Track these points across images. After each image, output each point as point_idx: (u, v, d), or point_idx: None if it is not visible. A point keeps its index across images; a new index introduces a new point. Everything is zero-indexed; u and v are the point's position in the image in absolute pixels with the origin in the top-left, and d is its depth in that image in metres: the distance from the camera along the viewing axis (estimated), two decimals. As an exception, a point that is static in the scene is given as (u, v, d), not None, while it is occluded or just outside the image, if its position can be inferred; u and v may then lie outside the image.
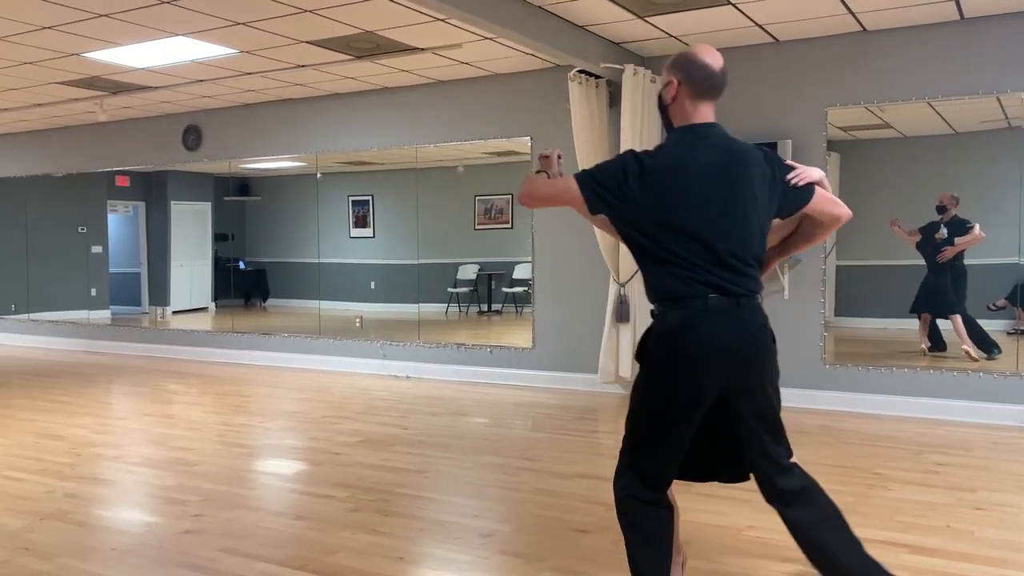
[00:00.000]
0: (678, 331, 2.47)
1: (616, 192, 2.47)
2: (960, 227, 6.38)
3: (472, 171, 9.56)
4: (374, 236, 10.88)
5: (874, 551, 3.26)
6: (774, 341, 2.75)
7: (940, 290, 6.49)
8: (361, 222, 10.90)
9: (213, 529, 3.64)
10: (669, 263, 2.46)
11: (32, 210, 11.02)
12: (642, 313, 6.43)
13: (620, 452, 2.64)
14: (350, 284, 10.38)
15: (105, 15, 5.48)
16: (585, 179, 2.52)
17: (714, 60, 2.62)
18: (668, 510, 2.64)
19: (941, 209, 6.38)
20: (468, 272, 10.31)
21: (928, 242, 6.41)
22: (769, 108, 6.30)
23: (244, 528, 3.67)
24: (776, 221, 2.69)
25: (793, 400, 6.19)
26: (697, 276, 2.45)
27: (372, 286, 10.71)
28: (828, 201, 2.68)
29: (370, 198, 10.82)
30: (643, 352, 2.56)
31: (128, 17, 5.52)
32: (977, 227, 6.32)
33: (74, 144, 10.17)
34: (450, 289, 10.13)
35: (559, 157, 2.84)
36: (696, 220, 2.44)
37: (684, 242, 2.44)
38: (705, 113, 2.63)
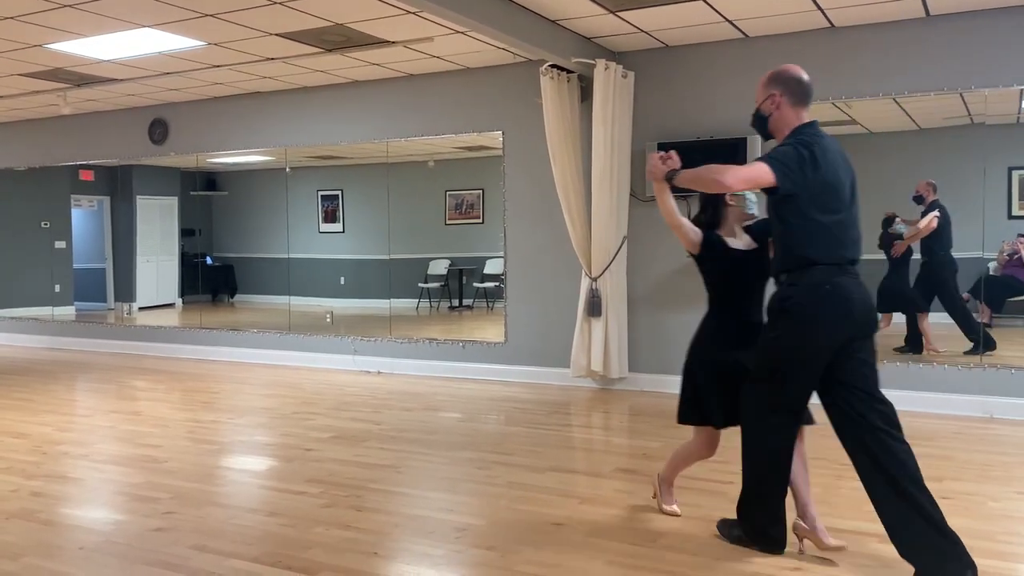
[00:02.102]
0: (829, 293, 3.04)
1: (799, 172, 3.00)
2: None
3: (442, 166, 9.52)
4: (344, 231, 10.80)
5: (844, 540, 3.33)
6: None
7: (900, 290, 6.34)
8: (330, 217, 10.82)
9: (184, 526, 3.60)
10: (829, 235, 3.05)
11: (-7, 205, 10.80)
12: (615, 307, 6.47)
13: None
14: (319, 279, 10.30)
15: (69, 5, 5.38)
16: (773, 163, 3.02)
17: (805, 74, 3.26)
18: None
19: (919, 199, 6.28)
20: (439, 267, 10.28)
21: (884, 237, 6.34)
22: (738, 104, 6.33)
23: (216, 525, 3.63)
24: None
25: (763, 393, 6.27)
26: (834, 247, 3.06)
27: (342, 281, 10.64)
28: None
29: (339, 193, 10.74)
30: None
31: (93, 8, 5.43)
32: (926, 219, 6.21)
33: (37, 137, 9.98)
34: (420, 284, 10.09)
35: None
36: (837, 200, 3.07)
37: (822, 223, 3.03)
38: (807, 116, 3.21)
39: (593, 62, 6.18)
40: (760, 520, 3.24)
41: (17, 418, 5.85)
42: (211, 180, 11.33)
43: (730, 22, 5.91)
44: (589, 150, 6.40)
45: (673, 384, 6.48)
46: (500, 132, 7.24)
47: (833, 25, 5.98)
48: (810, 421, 3.33)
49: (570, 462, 4.79)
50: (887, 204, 6.41)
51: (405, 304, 9.69)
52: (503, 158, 7.24)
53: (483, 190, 9.75)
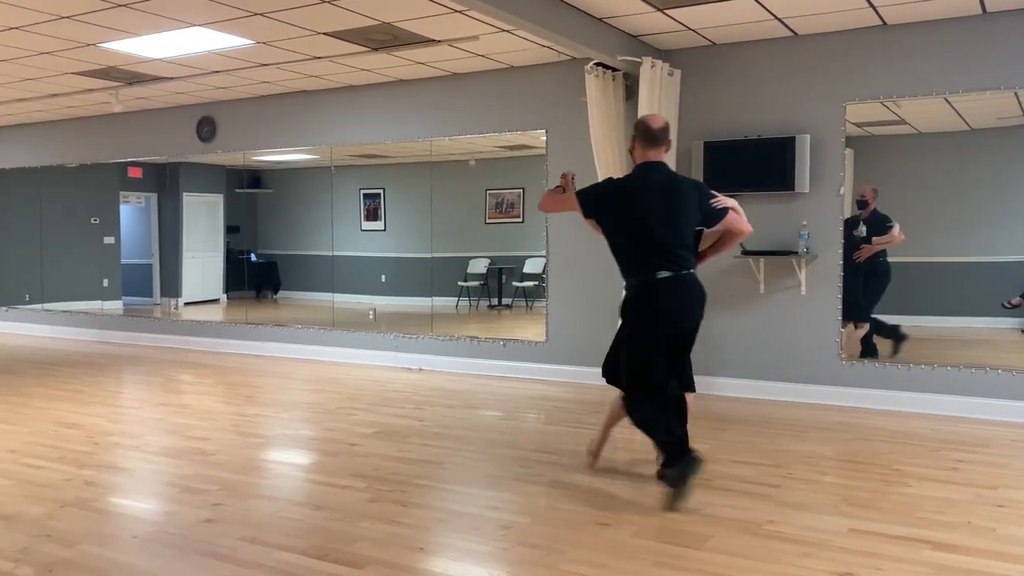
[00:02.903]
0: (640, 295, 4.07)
1: (599, 204, 4.08)
2: (879, 224, 6.23)
3: (483, 165, 9.53)
4: (385, 229, 10.87)
5: (895, 547, 3.27)
6: (703, 305, 4.19)
7: (851, 295, 6.17)
8: (372, 215, 10.90)
9: (232, 518, 3.65)
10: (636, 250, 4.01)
11: (46, 201, 11.05)
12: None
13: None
14: (361, 277, 10.38)
15: (123, 5, 5.47)
16: (582, 195, 4.12)
17: (654, 123, 4.04)
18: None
19: (862, 204, 6.28)
20: (478, 266, 10.29)
21: (847, 240, 6.16)
22: (786, 103, 6.27)
23: (263, 517, 3.67)
24: (707, 230, 4.17)
25: (809, 396, 6.19)
26: (641, 260, 4.01)
27: (383, 279, 10.71)
28: (738, 221, 4.16)
29: (381, 191, 10.81)
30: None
31: (146, 7, 5.52)
32: (897, 227, 6.12)
33: (88, 135, 10.19)
34: (460, 283, 10.11)
35: (573, 178, 4.44)
36: (642, 223, 3.94)
37: (628, 240, 4.04)
38: (653, 155, 4.03)
39: (639, 60, 6.14)
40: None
41: (70, 409, 5.98)
42: (256, 178, 11.47)
43: (779, 20, 5.83)
44: (634, 149, 6.36)
45: (717, 386, 6.47)
46: (543, 131, 7.23)
47: (885, 23, 5.87)
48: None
49: (613, 463, 4.76)
50: (935, 206, 6.28)
51: (445, 302, 9.72)
52: (546, 157, 7.23)
53: (523, 189, 9.74)
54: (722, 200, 4.10)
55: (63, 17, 5.76)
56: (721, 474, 4.34)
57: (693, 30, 6.09)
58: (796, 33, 6.16)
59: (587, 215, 4.13)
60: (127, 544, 3.35)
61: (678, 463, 3.87)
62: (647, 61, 6.14)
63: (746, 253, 6.29)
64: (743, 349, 6.45)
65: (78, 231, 11.11)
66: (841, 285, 6.16)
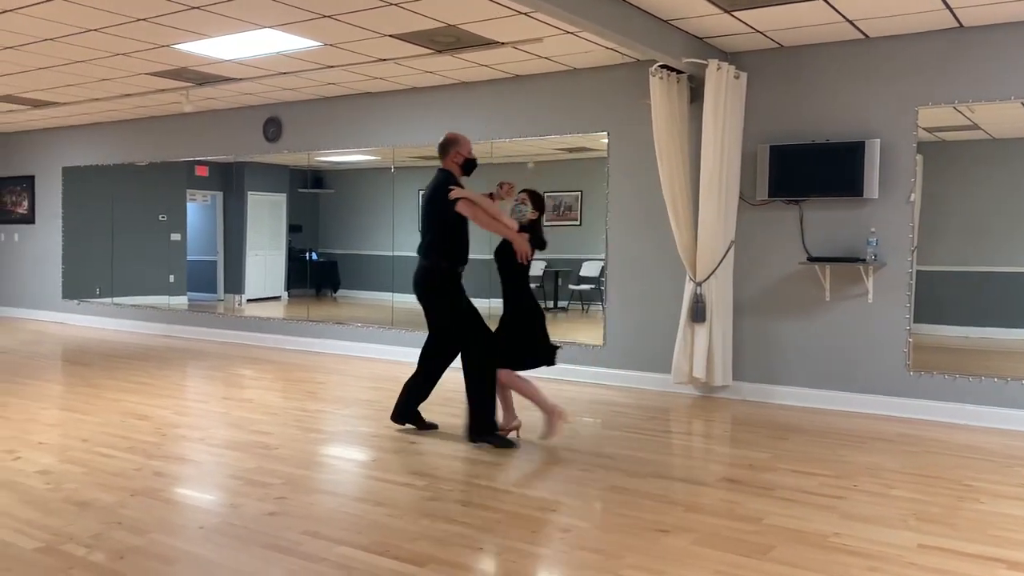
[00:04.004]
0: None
1: None
2: None
3: (541, 167, 9.52)
4: (443, 230, 10.92)
5: (968, 565, 3.17)
6: (421, 285, 5.05)
7: None
8: (430, 216, 10.96)
9: (295, 512, 3.70)
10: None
11: (117, 198, 11.40)
12: (720, 313, 6.34)
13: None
14: (420, 278, 10.45)
15: (197, 7, 5.61)
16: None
17: (444, 136, 5.07)
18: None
19: None
20: (535, 269, 10.26)
21: None
22: (856, 107, 6.13)
23: (325, 512, 3.72)
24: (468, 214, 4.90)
25: (872, 407, 6.04)
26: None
27: (439, 279, 10.76)
28: (466, 207, 4.87)
29: (439, 193, 10.87)
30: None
31: (219, 9, 5.65)
32: None
33: (158, 134, 10.47)
34: (516, 285, 10.11)
35: (509, 188, 5.18)
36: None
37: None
38: (441, 164, 5.04)
39: (705, 62, 6.08)
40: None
41: (138, 400, 6.15)
42: (318, 178, 11.65)
43: (850, 22, 5.71)
44: (697, 152, 6.30)
45: (777, 394, 6.36)
46: (605, 133, 7.20)
47: (962, 24, 5.71)
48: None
49: (672, 469, 4.72)
50: (1009, 214, 6.08)
51: (500, 304, 9.74)
52: (607, 159, 7.20)
53: (582, 192, 9.70)
54: (455, 192, 4.85)
55: (139, 19, 5.93)
56: (782, 484, 4.26)
57: (761, 32, 6.00)
58: (867, 36, 6.03)
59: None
60: (194, 534, 3.42)
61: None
62: (713, 63, 6.07)
63: (812, 260, 6.17)
64: (806, 357, 6.32)
65: (147, 228, 11.43)
66: (911, 294, 6.00)
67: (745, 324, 6.52)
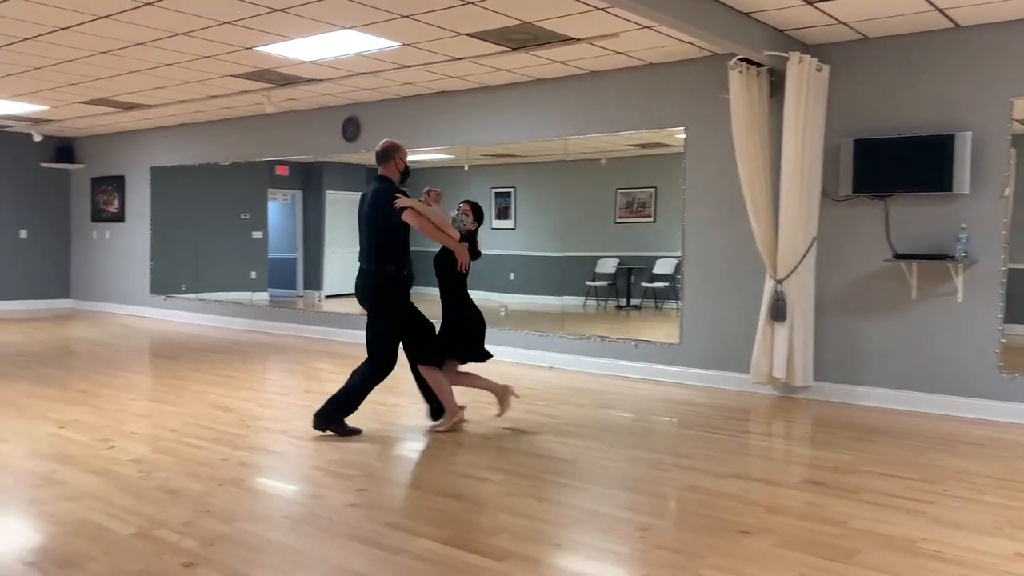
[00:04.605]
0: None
1: None
2: None
3: (614, 163, 9.47)
4: (515, 228, 10.98)
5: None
6: (366, 293, 5.13)
7: None
8: (503, 214, 11.03)
9: (376, 504, 3.77)
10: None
11: (202, 197, 11.77)
12: (801, 311, 6.20)
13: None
14: (490, 275, 10.51)
15: (280, 10, 5.75)
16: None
17: (377, 147, 5.23)
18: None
19: None
20: (607, 266, 10.23)
21: None
22: (946, 99, 5.92)
23: (405, 504, 3.78)
24: (415, 224, 4.98)
25: (961, 409, 5.83)
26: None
27: (511, 277, 10.81)
28: (412, 217, 4.95)
29: (512, 190, 10.93)
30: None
31: (301, 11, 5.78)
32: None
33: (241, 134, 10.77)
34: (588, 282, 10.09)
35: (438, 196, 5.26)
36: (358, 226, 5.18)
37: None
38: (379, 172, 5.18)
39: (786, 55, 5.95)
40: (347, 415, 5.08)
41: (223, 393, 6.35)
42: (393, 177, 11.78)
43: (940, 11, 5.51)
44: (777, 147, 6.17)
45: (860, 395, 6.19)
46: (682, 128, 7.11)
47: (1061, 11, 5.45)
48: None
49: (752, 470, 4.64)
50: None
51: (572, 302, 9.72)
52: (684, 155, 7.11)
53: (656, 188, 9.61)
54: (401, 202, 4.93)
55: (224, 22, 6.11)
56: (866, 487, 4.14)
57: (844, 23, 5.84)
58: (958, 24, 5.80)
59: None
60: (279, 523, 3.52)
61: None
62: (794, 56, 5.94)
63: (898, 257, 5.99)
64: (891, 358, 6.13)
65: (230, 226, 11.79)
66: (1003, 292, 5.77)
67: (827, 323, 6.36)
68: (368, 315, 5.16)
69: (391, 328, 5.08)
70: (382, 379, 5.11)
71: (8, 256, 12.68)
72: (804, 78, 5.96)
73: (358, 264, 5.17)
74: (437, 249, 5.22)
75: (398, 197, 4.95)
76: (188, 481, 4.05)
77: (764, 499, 3.98)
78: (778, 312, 6.17)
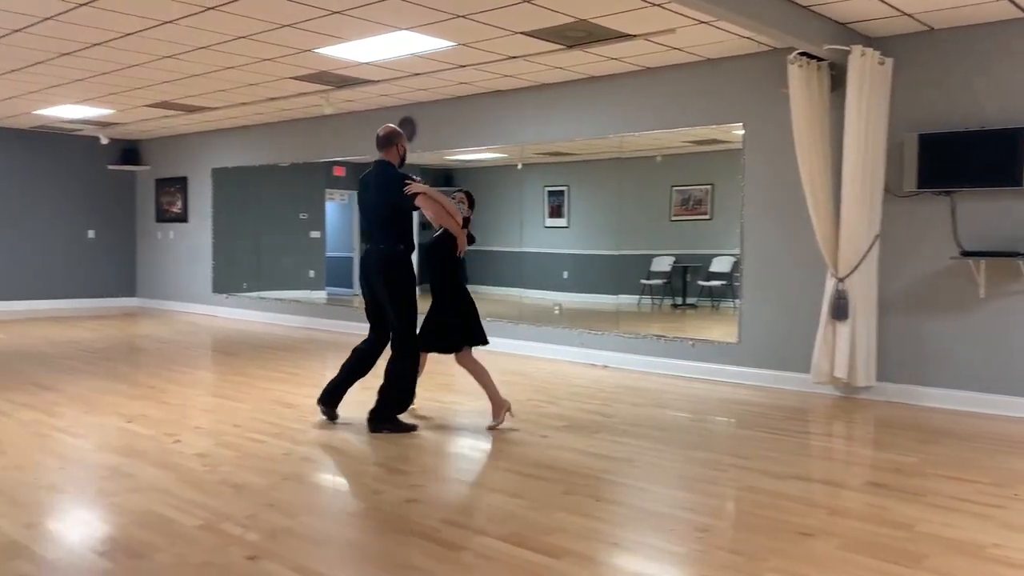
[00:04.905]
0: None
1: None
2: None
3: (669, 160, 9.39)
4: (568, 226, 10.96)
5: None
6: (379, 272, 5.14)
7: None
8: (555, 212, 11.03)
9: (433, 500, 3.80)
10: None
11: (262, 197, 12.01)
12: (864, 310, 6.07)
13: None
14: (543, 273, 10.53)
15: (338, 12, 5.84)
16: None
17: (379, 131, 5.31)
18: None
19: None
20: (662, 264, 10.15)
21: None
22: (1015, 91, 5.73)
23: (462, 501, 3.81)
24: (429, 209, 5.15)
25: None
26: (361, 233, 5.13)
27: (565, 275, 10.80)
28: (426, 202, 5.09)
29: (565, 188, 10.91)
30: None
31: (358, 13, 5.85)
32: None
33: (300, 136, 10.95)
34: (643, 281, 10.03)
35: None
36: (360, 207, 5.38)
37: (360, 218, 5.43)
38: (380, 156, 5.25)
39: (847, 48, 5.82)
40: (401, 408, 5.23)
41: (285, 389, 6.47)
42: (447, 176, 11.91)
43: (1010, 0, 5.34)
44: (839, 142, 6.04)
45: (926, 396, 6.03)
46: (740, 124, 7.01)
47: None
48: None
49: (813, 471, 4.56)
50: None
51: (626, 300, 9.67)
52: (743, 151, 7.01)
53: (712, 185, 9.51)
54: (413, 187, 5.04)
55: (284, 25, 6.22)
56: (933, 490, 4.04)
57: (908, 15, 5.69)
58: (1029, 13, 5.62)
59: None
60: (340, 518, 3.57)
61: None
62: (856, 50, 5.81)
63: (965, 254, 5.82)
64: (957, 357, 5.96)
65: (289, 226, 12.00)
66: (1078, 291, 5.57)
67: (891, 322, 6.21)
68: (380, 305, 5.17)
69: (406, 308, 5.12)
70: (418, 361, 5.23)
71: (77, 256, 13.11)
72: (867, 72, 5.83)
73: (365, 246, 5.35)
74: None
75: (410, 182, 5.06)
76: (251, 475, 4.14)
77: (826, 501, 3.91)
78: (839, 311, 6.05)
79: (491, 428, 5.18)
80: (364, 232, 5.27)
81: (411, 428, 5.11)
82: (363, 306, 5.38)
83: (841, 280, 6.07)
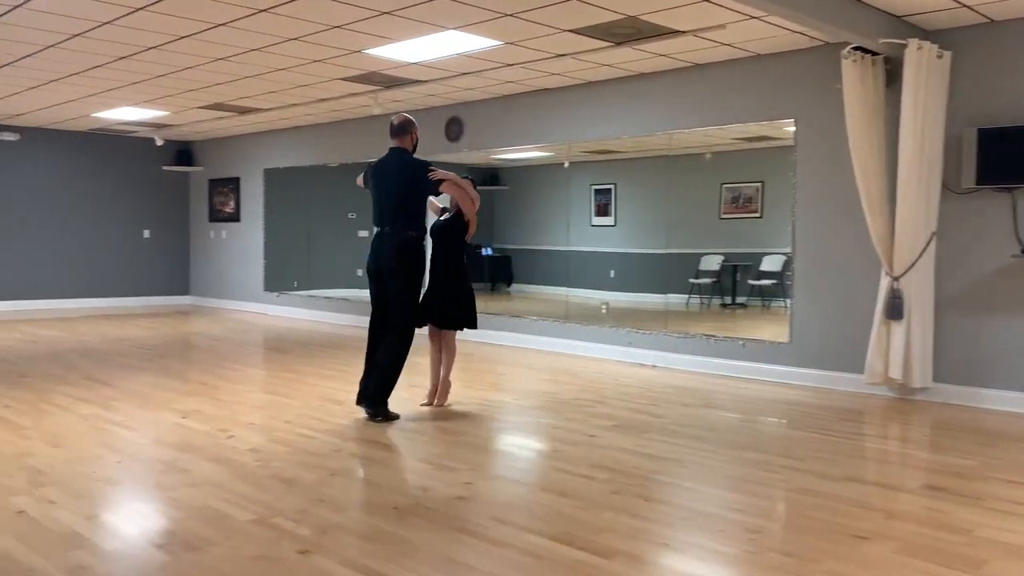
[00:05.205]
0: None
1: (366, 179, 5.55)
2: None
3: (719, 158, 9.28)
4: (615, 225, 10.90)
5: None
6: (398, 257, 5.26)
7: None
8: (602, 211, 10.97)
9: (482, 498, 3.81)
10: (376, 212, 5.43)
11: (311, 197, 12.16)
12: (920, 309, 5.93)
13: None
14: (590, 272, 10.48)
15: (387, 12, 5.88)
16: (365, 172, 5.61)
17: (394, 120, 5.51)
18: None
19: None
20: (711, 263, 10.04)
21: None
22: (1082, 82, 5.55)
23: (511, 499, 3.80)
24: (442, 196, 5.53)
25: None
26: (373, 220, 5.41)
27: (611, 274, 10.74)
28: (452, 188, 5.39)
29: (612, 187, 10.85)
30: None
31: (407, 13, 5.89)
32: None
33: (348, 136, 11.07)
34: (691, 280, 9.92)
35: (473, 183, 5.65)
36: (373, 193, 5.42)
37: (374, 204, 5.43)
38: (393, 143, 5.45)
39: (904, 42, 5.69)
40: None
41: (335, 386, 6.54)
42: (493, 175, 11.93)
43: (1076, -11, 5.18)
44: (894, 138, 5.91)
45: (986, 398, 5.87)
46: (792, 120, 6.90)
47: None
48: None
49: (868, 473, 4.46)
50: None
51: (674, 300, 9.58)
52: (794, 148, 6.89)
53: (763, 183, 9.37)
54: (438, 174, 5.28)
55: (334, 26, 6.29)
56: (994, 494, 3.93)
57: (968, 7, 5.54)
58: (1096, 3, 5.43)
59: (362, 187, 5.64)
60: (389, 514, 3.59)
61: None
62: (913, 43, 5.68)
63: (1026, 252, 5.65)
64: (1018, 358, 5.79)
65: (338, 225, 12.13)
66: None
67: (948, 321, 6.06)
68: (386, 288, 5.32)
69: (413, 294, 5.33)
70: (408, 350, 5.40)
71: (133, 255, 13.42)
72: (923, 66, 5.69)
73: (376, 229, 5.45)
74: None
75: (433, 169, 5.26)
76: (302, 471, 4.19)
77: (881, 503, 3.82)
78: (894, 310, 5.92)
79: (426, 405, 5.67)
80: (376, 217, 5.36)
81: (395, 416, 5.31)
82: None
83: (896, 279, 5.93)
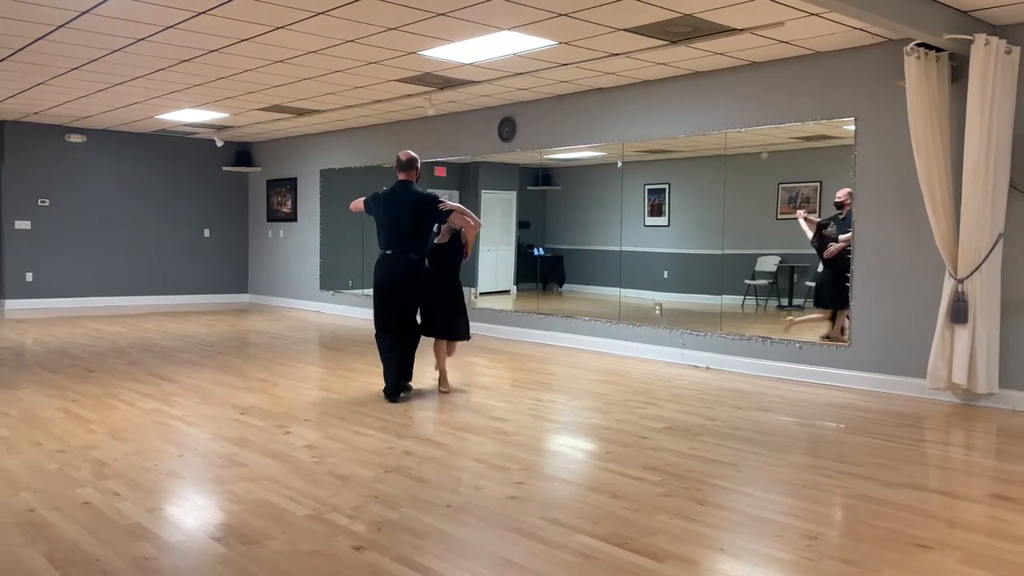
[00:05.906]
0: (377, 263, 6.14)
1: (370, 206, 6.18)
2: (846, 226, 6.89)
3: (776, 157, 9.13)
4: (668, 225, 10.80)
5: None
6: (410, 275, 6.01)
7: (832, 286, 7.17)
8: (656, 211, 10.88)
9: (534, 497, 3.81)
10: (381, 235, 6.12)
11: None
12: (985, 313, 5.76)
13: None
14: (643, 272, 10.39)
15: (442, 14, 5.92)
16: (365, 200, 6.27)
17: (401, 156, 6.10)
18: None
19: (839, 206, 7.17)
20: (767, 264, 9.88)
21: (819, 238, 7.35)
22: None
23: (563, 500, 3.80)
24: (462, 224, 6.18)
25: None
26: (382, 242, 6.08)
27: (665, 275, 10.65)
28: (459, 217, 6.11)
29: (666, 186, 10.75)
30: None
31: (462, 14, 5.92)
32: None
33: (403, 137, 11.16)
34: (747, 281, 9.78)
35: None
36: (383, 220, 6.05)
37: (380, 229, 6.11)
38: (401, 177, 6.06)
39: (970, 38, 5.53)
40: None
41: (386, 385, 6.60)
42: (546, 175, 11.92)
43: None
44: (959, 136, 5.75)
45: (1013, 399, 5.66)
46: (852, 119, 6.76)
47: None
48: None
49: (930, 481, 4.35)
50: None
51: (729, 301, 9.45)
52: (855, 147, 6.75)
53: (821, 183, 9.19)
54: (447, 204, 6.00)
55: (390, 28, 6.35)
56: (1066, 506, 3.79)
57: (1039, 0, 5.37)
58: None
59: (368, 213, 6.33)
60: (442, 512, 3.62)
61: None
62: (980, 39, 5.52)
63: (1099, 254, 5.45)
64: (1091, 365, 5.59)
65: (392, 225, 12.23)
66: None
67: (1016, 326, 5.87)
68: (395, 298, 6.00)
69: (418, 301, 6.15)
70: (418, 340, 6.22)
71: (194, 254, 13.74)
72: (991, 62, 5.53)
73: (385, 252, 6.07)
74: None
75: (442, 201, 5.98)
76: (356, 467, 4.24)
77: (944, 512, 3.72)
78: (958, 313, 5.76)
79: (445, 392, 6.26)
80: (387, 240, 5.99)
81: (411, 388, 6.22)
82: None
83: (960, 281, 5.77)
